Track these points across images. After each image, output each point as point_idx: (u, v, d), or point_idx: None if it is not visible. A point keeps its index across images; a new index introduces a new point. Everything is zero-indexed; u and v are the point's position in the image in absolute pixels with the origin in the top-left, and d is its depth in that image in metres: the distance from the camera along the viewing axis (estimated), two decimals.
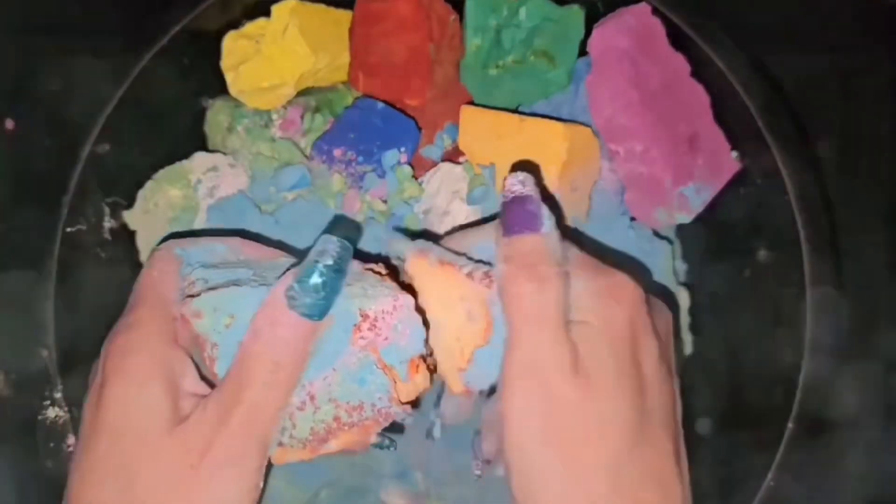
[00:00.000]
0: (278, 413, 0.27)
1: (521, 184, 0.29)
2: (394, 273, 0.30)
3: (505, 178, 0.29)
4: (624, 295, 0.28)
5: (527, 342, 0.27)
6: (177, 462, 0.26)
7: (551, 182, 0.39)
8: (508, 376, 0.27)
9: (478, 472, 0.32)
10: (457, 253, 0.31)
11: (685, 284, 0.43)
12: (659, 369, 0.28)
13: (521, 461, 0.26)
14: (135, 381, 0.27)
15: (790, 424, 0.38)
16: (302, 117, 0.43)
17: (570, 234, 0.39)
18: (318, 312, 0.26)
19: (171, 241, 0.31)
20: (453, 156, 0.42)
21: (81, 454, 0.28)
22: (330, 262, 0.27)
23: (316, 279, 0.26)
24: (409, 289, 0.29)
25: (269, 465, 0.28)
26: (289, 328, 0.26)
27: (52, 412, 0.38)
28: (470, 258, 0.30)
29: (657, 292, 0.32)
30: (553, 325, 0.27)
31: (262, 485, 0.27)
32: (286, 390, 0.27)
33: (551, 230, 0.28)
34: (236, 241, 0.32)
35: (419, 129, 0.42)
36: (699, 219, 0.41)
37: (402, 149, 0.41)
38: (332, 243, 0.27)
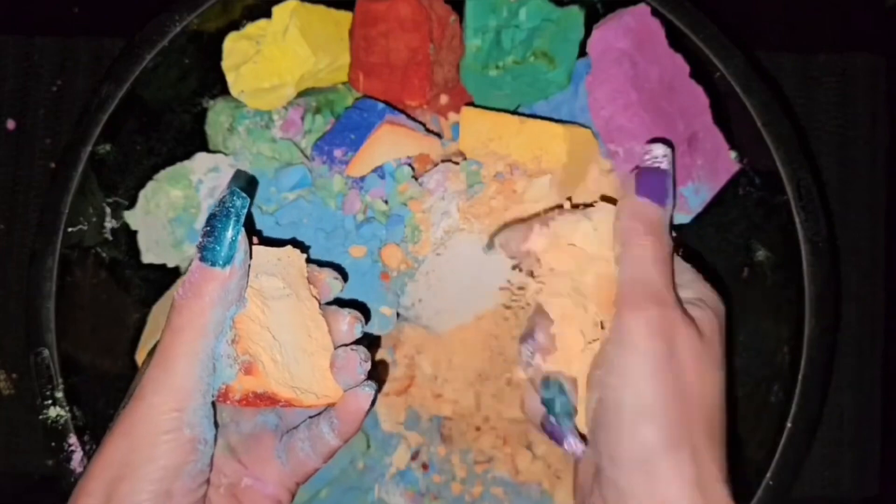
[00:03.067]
0: (194, 365, 0.29)
1: (664, 157, 0.32)
2: None
3: (649, 144, 0.32)
4: (718, 301, 0.32)
5: (646, 284, 0.29)
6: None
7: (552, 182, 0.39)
8: (625, 305, 0.29)
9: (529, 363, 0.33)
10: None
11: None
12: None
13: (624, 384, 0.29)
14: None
15: (789, 424, 0.38)
16: (302, 118, 0.43)
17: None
18: (215, 259, 0.29)
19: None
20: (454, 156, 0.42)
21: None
22: (226, 212, 0.29)
23: (217, 231, 0.29)
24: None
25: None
26: (201, 277, 0.29)
27: (52, 412, 0.38)
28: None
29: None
30: (665, 273, 0.30)
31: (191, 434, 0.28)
32: (203, 336, 0.29)
33: (671, 209, 0.32)
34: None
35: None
36: (699, 219, 0.41)
37: None
38: (228, 195, 0.30)
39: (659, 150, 0.32)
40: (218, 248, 0.29)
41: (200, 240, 0.29)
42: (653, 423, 0.28)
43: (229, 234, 0.29)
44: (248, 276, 0.31)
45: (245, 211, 0.30)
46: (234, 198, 0.30)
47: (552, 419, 0.31)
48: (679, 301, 0.30)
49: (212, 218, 0.29)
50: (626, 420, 0.29)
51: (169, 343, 0.29)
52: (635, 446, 0.28)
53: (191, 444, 0.28)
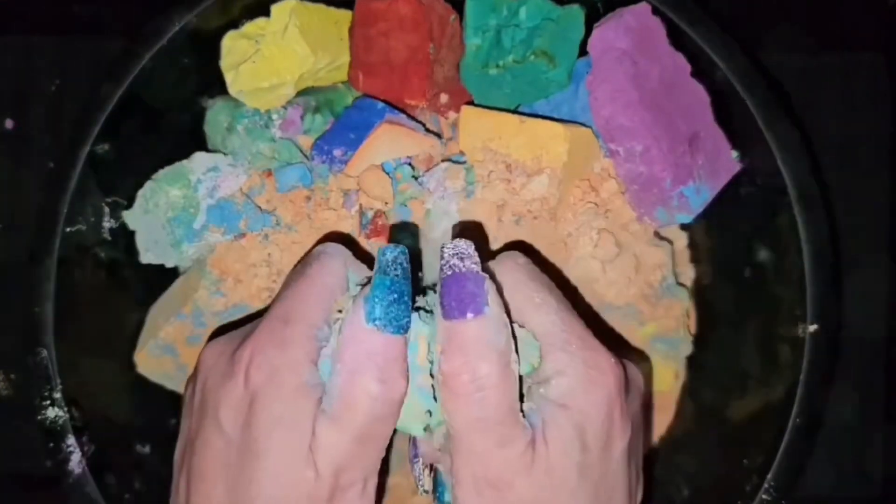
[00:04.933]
0: (381, 446, 0.26)
1: (459, 258, 0.26)
2: None
3: (442, 249, 0.26)
4: (605, 379, 0.26)
5: (475, 453, 0.25)
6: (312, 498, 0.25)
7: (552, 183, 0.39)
8: (462, 491, 0.25)
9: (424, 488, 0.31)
10: None
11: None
12: (627, 463, 0.27)
13: None
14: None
15: (791, 425, 0.38)
16: (302, 117, 0.43)
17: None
18: (399, 326, 0.25)
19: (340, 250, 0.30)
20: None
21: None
22: (398, 271, 0.26)
23: (388, 293, 0.25)
24: None
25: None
26: (382, 347, 0.25)
27: (51, 412, 0.38)
28: None
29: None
30: (500, 428, 0.25)
31: None
32: (392, 418, 0.26)
33: (496, 311, 0.25)
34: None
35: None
36: (699, 219, 0.41)
37: None
38: (391, 252, 0.26)
39: (452, 250, 0.26)
40: (404, 312, 0.25)
41: (379, 304, 0.25)
42: None
43: (408, 291, 0.26)
44: None
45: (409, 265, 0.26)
46: (398, 251, 0.26)
47: None
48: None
49: (385, 277, 0.25)
50: None
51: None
52: None
53: None
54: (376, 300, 0.25)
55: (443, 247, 0.26)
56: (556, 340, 0.27)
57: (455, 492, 0.26)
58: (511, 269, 0.29)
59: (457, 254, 0.26)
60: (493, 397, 0.25)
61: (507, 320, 0.26)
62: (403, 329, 0.25)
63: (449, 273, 0.25)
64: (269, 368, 0.25)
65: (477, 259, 0.26)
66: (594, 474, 0.26)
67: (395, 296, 0.25)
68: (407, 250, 0.27)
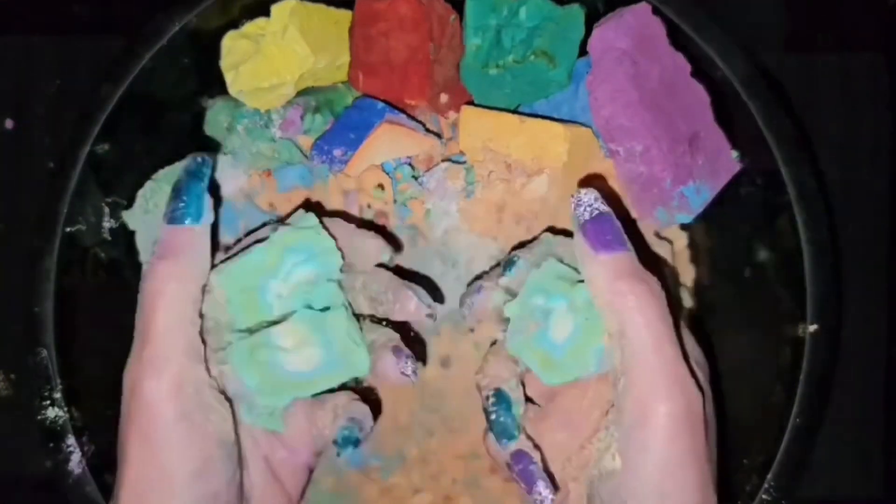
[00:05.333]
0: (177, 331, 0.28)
1: (596, 200, 0.29)
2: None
3: (576, 196, 0.29)
4: (704, 366, 0.31)
5: (667, 346, 0.27)
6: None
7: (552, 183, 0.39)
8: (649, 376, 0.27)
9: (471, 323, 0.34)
10: None
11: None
12: None
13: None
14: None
15: (791, 425, 0.38)
16: (302, 117, 0.43)
17: None
18: (186, 215, 0.30)
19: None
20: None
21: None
22: (187, 176, 0.30)
23: (182, 195, 0.30)
24: None
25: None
26: (171, 236, 0.29)
27: (50, 412, 0.38)
28: None
29: None
30: (678, 342, 0.28)
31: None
32: (183, 287, 0.29)
33: (633, 251, 0.29)
34: None
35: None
36: (700, 219, 0.41)
37: None
38: (189, 161, 0.31)
39: (590, 196, 0.30)
40: (188, 205, 0.30)
41: (168, 206, 0.30)
42: None
43: (197, 191, 0.30)
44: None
45: (209, 173, 0.31)
46: (198, 160, 0.31)
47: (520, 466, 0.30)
48: (687, 358, 0.28)
49: (177, 184, 0.30)
50: None
51: (150, 315, 0.28)
52: None
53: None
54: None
55: (575, 196, 0.30)
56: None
57: (637, 400, 0.27)
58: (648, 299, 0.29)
59: (596, 198, 0.29)
60: (658, 295, 0.28)
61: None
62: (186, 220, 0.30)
63: (593, 214, 0.29)
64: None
65: (606, 204, 0.30)
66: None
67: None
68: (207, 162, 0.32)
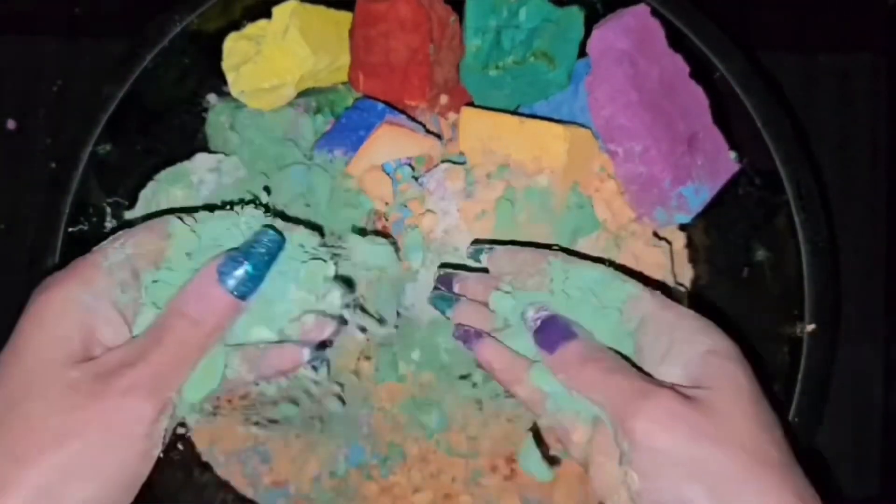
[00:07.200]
0: (183, 370, 0.27)
1: (540, 310, 0.31)
2: None
3: (524, 314, 0.32)
4: (734, 352, 0.30)
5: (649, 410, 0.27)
6: (77, 390, 0.26)
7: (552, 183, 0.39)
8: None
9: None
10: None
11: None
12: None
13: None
14: (47, 318, 0.28)
15: (790, 424, 0.38)
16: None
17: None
18: (244, 294, 0.28)
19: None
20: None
21: None
22: (263, 251, 0.29)
23: (247, 265, 0.28)
24: None
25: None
26: (215, 299, 0.28)
27: None
28: None
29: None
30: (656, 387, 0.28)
31: (155, 450, 0.27)
32: (198, 350, 0.28)
33: (587, 335, 0.31)
34: None
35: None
36: (699, 219, 0.41)
37: None
38: (266, 235, 0.30)
39: (532, 308, 0.32)
40: (249, 279, 0.28)
41: (223, 263, 0.28)
42: None
43: (264, 270, 0.29)
44: None
45: (278, 254, 0.30)
46: (276, 239, 0.29)
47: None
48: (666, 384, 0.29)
49: (247, 249, 0.29)
50: None
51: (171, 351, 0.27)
52: None
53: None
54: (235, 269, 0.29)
55: (524, 313, 0.32)
56: None
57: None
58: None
59: (538, 308, 0.32)
60: (602, 362, 0.29)
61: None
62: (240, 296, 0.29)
63: (539, 322, 0.31)
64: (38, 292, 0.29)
65: (545, 310, 0.32)
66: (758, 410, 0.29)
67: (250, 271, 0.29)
68: (279, 242, 0.30)
